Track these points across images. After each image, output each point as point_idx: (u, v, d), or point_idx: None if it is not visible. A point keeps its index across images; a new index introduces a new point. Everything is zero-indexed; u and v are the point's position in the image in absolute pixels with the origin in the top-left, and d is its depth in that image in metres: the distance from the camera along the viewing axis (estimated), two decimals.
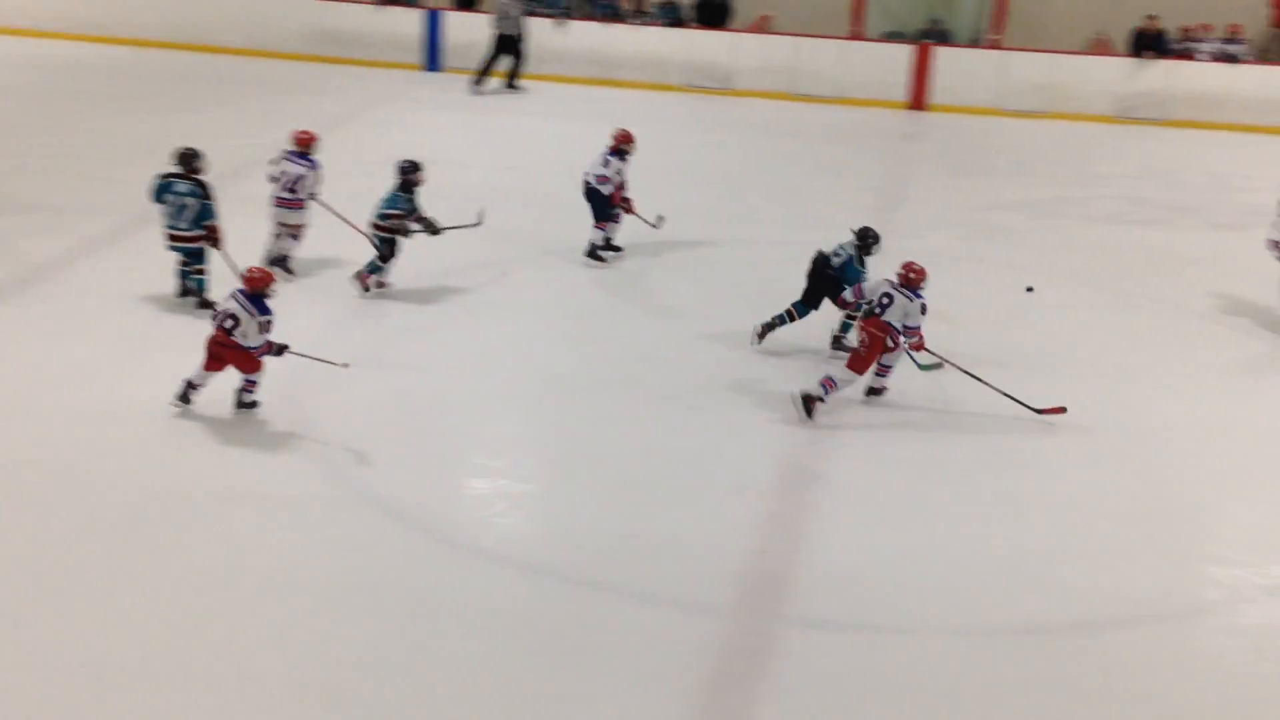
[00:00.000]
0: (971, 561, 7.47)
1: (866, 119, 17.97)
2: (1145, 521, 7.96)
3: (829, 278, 9.93)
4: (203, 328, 8.62)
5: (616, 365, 9.79)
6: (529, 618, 6.78)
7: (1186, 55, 18.17)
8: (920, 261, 9.09)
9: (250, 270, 8.58)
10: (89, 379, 9.04)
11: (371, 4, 19.78)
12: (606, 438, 8.70)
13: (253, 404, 8.65)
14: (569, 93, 18.59)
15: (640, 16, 19.30)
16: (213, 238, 10.21)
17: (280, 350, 8.49)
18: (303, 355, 8.72)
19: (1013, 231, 13.32)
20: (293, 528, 7.45)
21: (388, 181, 10.96)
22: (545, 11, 19.34)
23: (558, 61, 18.88)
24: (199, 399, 8.54)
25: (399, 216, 10.62)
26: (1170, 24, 18.36)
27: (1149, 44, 18.11)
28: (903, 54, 18.59)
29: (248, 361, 8.45)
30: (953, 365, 9.28)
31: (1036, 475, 8.47)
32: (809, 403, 8.93)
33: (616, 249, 12.03)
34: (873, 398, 9.35)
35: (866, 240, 9.95)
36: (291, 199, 11.02)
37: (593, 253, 11.94)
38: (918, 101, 18.38)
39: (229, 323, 8.29)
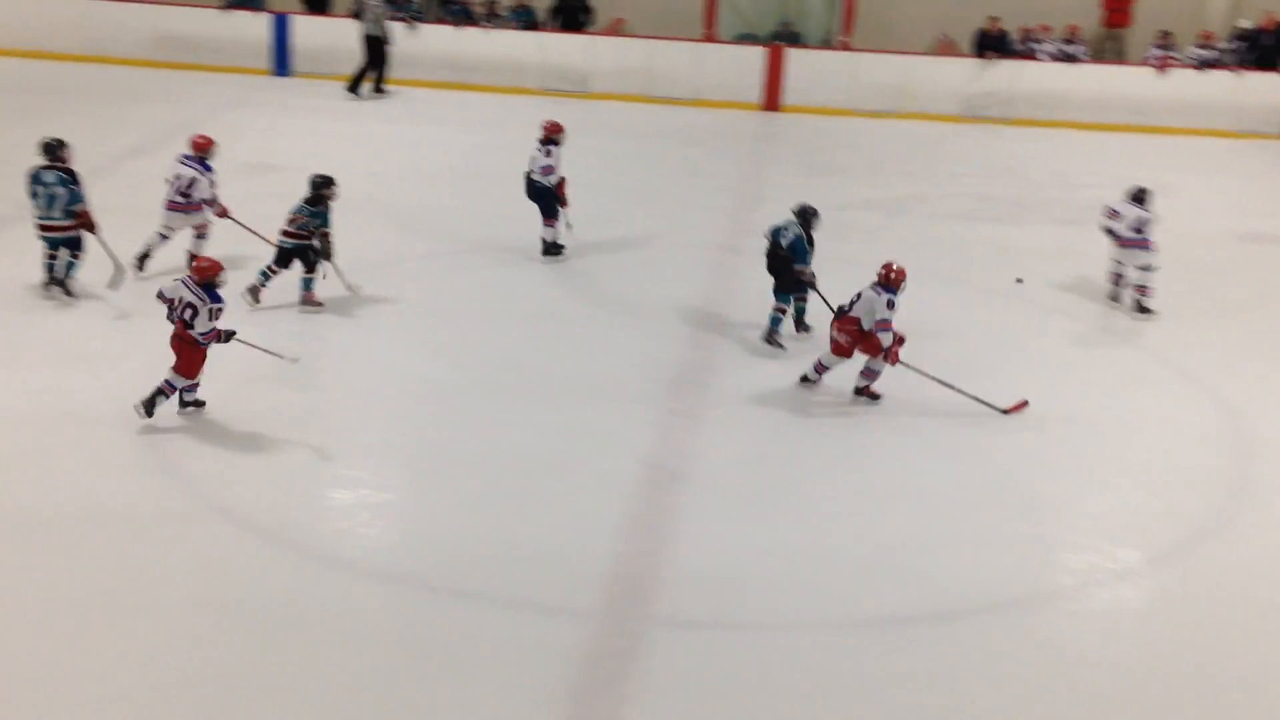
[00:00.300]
0: (835, 556, 7.58)
1: (722, 120, 18.14)
2: (1000, 511, 8.18)
3: (782, 258, 10.17)
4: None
5: (480, 370, 9.73)
6: (394, 628, 6.70)
7: (1028, 55, 18.69)
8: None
9: (199, 260, 8.78)
10: None
11: (217, 8, 19.35)
12: (471, 444, 8.64)
13: (199, 403, 8.67)
14: (422, 97, 18.43)
15: (493, 20, 19.20)
16: (86, 223, 10.27)
17: (228, 337, 8.54)
18: (251, 345, 8.77)
19: (868, 230, 13.55)
20: (152, 545, 7.26)
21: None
22: (397, 15, 19.13)
23: (410, 66, 18.69)
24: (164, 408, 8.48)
25: (305, 235, 10.52)
26: (1011, 25, 18.86)
27: (992, 45, 18.59)
28: (756, 56, 18.80)
29: (191, 364, 8.44)
30: (921, 373, 9.42)
31: (897, 469, 8.63)
32: (866, 392, 9.41)
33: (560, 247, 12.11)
34: (861, 398, 9.51)
35: (807, 216, 10.25)
36: (185, 203, 11.09)
37: (549, 250, 12.01)
38: (771, 103, 18.61)
39: (188, 313, 8.31)
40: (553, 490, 8.12)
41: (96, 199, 12.14)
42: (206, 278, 8.47)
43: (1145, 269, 11.32)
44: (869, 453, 8.83)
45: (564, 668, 6.44)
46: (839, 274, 12.01)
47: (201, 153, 11.27)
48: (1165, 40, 18.54)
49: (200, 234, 11.27)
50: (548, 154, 11.82)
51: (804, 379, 9.65)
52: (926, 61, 18.90)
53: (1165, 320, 11.31)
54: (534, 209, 12.03)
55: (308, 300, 10.64)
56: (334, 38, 19.17)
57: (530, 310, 10.98)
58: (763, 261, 10.37)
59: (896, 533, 7.85)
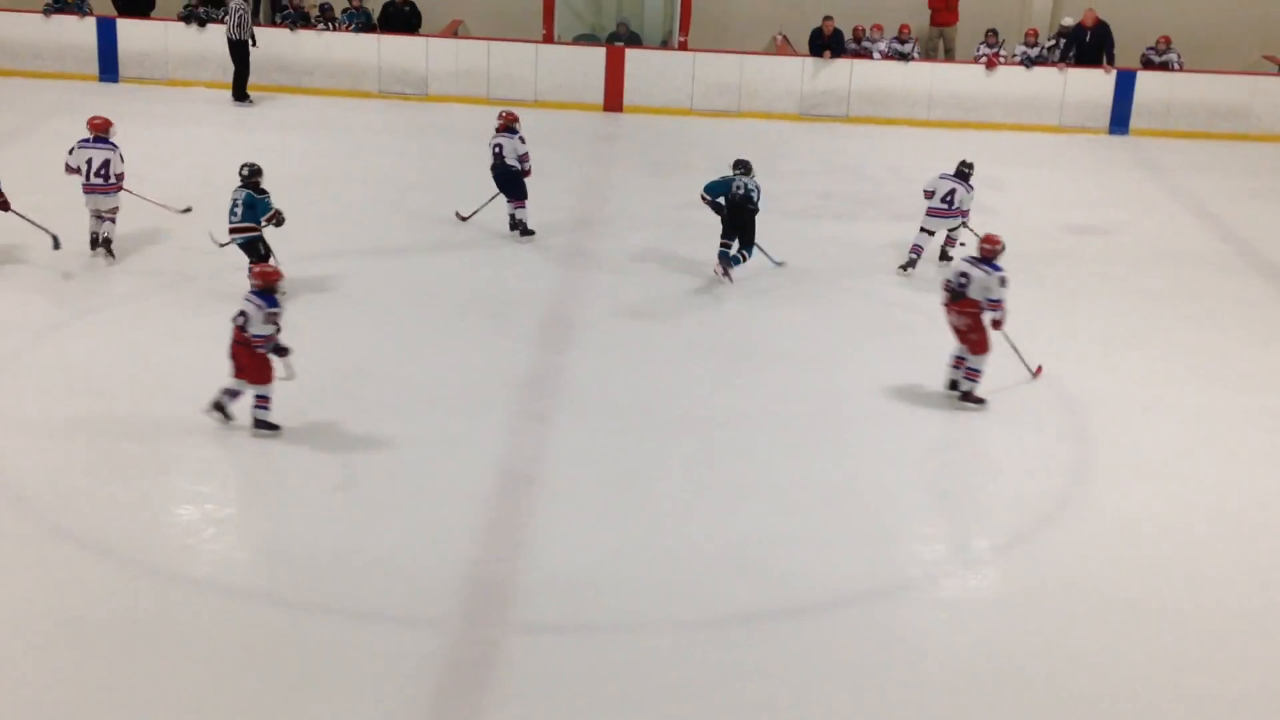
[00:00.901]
0: (689, 554, 7.65)
1: (564, 122, 18.11)
2: (847, 504, 8.33)
3: (750, 212, 11.81)
4: None
5: (327, 379, 9.55)
6: (247, 644, 6.58)
7: (863, 54, 19.06)
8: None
9: (260, 267, 9.13)
10: None
11: (39, 12, 18.69)
12: (317, 454, 8.51)
13: (272, 426, 8.59)
14: (258, 101, 18.03)
15: (326, 23, 18.88)
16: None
17: (283, 351, 8.59)
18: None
19: (712, 228, 13.64)
20: None
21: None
22: (224, 19, 18.72)
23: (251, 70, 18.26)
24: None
25: (269, 219, 10.89)
26: (845, 25, 19.22)
27: (827, 44, 18.91)
28: (596, 57, 18.83)
29: (257, 371, 8.54)
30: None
31: (746, 465, 8.73)
32: (970, 398, 9.63)
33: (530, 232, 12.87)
34: (966, 403, 9.64)
35: (748, 167, 11.98)
36: (106, 184, 11.37)
37: (524, 231, 12.79)
38: (613, 103, 18.67)
39: (240, 319, 8.48)
40: (405, 499, 8.05)
41: None
42: (267, 283, 8.62)
43: (952, 231, 12.53)
44: (719, 449, 8.92)
45: (421, 678, 6.39)
46: (682, 272, 12.20)
47: (103, 132, 11.56)
48: (992, 39, 19.07)
49: (111, 218, 11.50)
50: (522, 140, 12.60)
51: (954, 384, 9.74)
52: (762, 61, 19.14)
53: None
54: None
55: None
56: (161, 42, 18.67)
57: (375, 314, 10.86)
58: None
59: (747, 529, 7.96)
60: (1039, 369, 10.15)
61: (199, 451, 8.54)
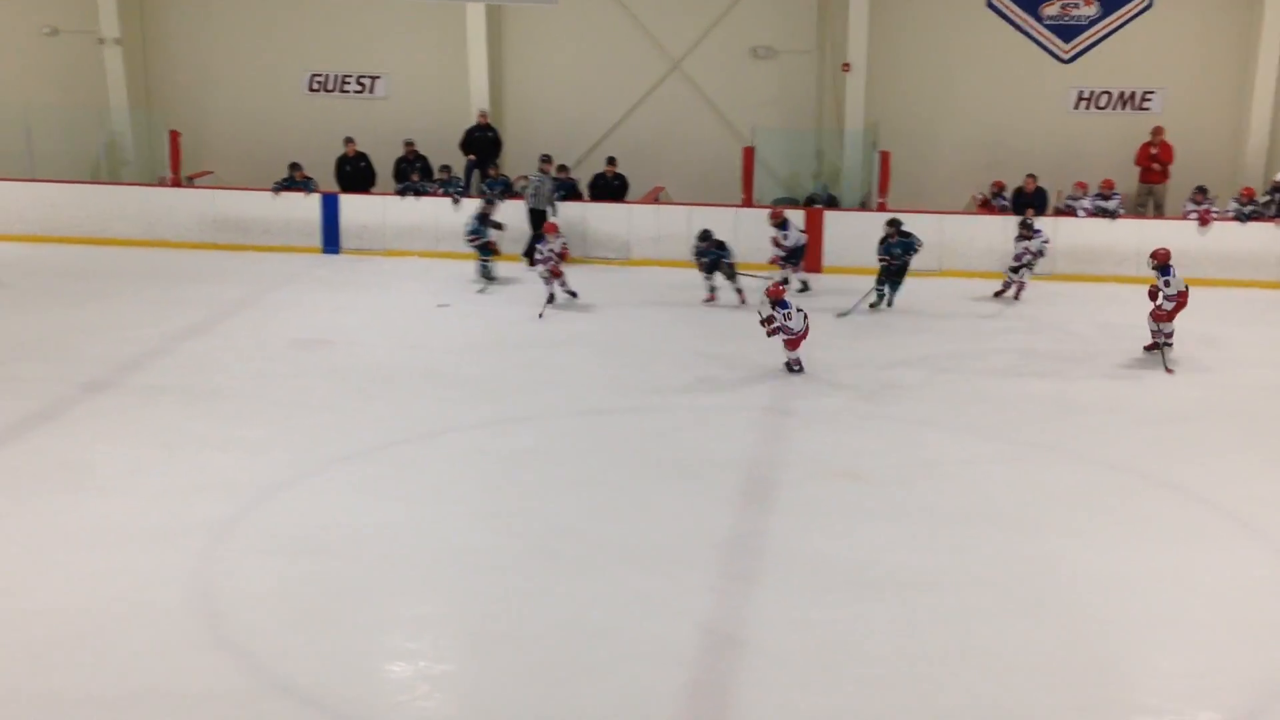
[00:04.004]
0: None
1: (763, 284, 18.27)
2: (1066, 673, 7.98)
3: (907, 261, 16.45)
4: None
5: (531, 538, 9.70)
6: None
7: (1068, 212, 18.87)
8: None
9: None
10: None
11: (268, 191, 19.90)
12: (525, 613, 8.58)
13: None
14: (469, 270, 18.68)
15: (536, 197, 19.58)
16: None
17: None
18: None
19: (912, 387, 13.58)
20: None
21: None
22: (440, 191, 19.64)
23: (455, 239, 18.99)
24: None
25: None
26: (1048, 184, 19.12)
27: (1029, 202, 18.80)
28: (794, 219, 19.04)
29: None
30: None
31: (956, 632, 8.44)
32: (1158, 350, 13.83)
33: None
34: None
35: (898, 223, 16.56)
36: None
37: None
38: (812, 264, 18.80)
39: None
40: (609, 659, 8.03)
41: (152, 378, 12.52)
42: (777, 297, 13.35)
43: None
44: (926, 614, 8.68)
45: None
46: (880, 434, 12.09)
47: None
48: (1200, 196, 18.69)
49: None
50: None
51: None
52: (963, 220, 19.11)
53: (1219, 470, 11.21)
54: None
55: None
56: (380, 215, 19.65)
57: (578, 475, 10.99)
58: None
59: (960, 699, 7.69)
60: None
61: (410, 609, 8.72)
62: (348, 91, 21.85)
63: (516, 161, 20.63)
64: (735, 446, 11.76)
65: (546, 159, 19.26)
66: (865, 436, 12.06)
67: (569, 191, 19.57)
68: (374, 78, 21.75)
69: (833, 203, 19.87)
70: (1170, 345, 14.41)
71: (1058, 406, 13.03)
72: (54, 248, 19.47)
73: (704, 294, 16.91)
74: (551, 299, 16.27)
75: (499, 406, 12.75)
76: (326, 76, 21.82)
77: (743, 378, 13.80)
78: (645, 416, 12.55)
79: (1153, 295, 14.57)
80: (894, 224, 16.47)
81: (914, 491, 10.76)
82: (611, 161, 19.95)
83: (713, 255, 16.71)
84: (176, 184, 20.63)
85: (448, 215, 19.38)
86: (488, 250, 17.83)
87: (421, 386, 13.15)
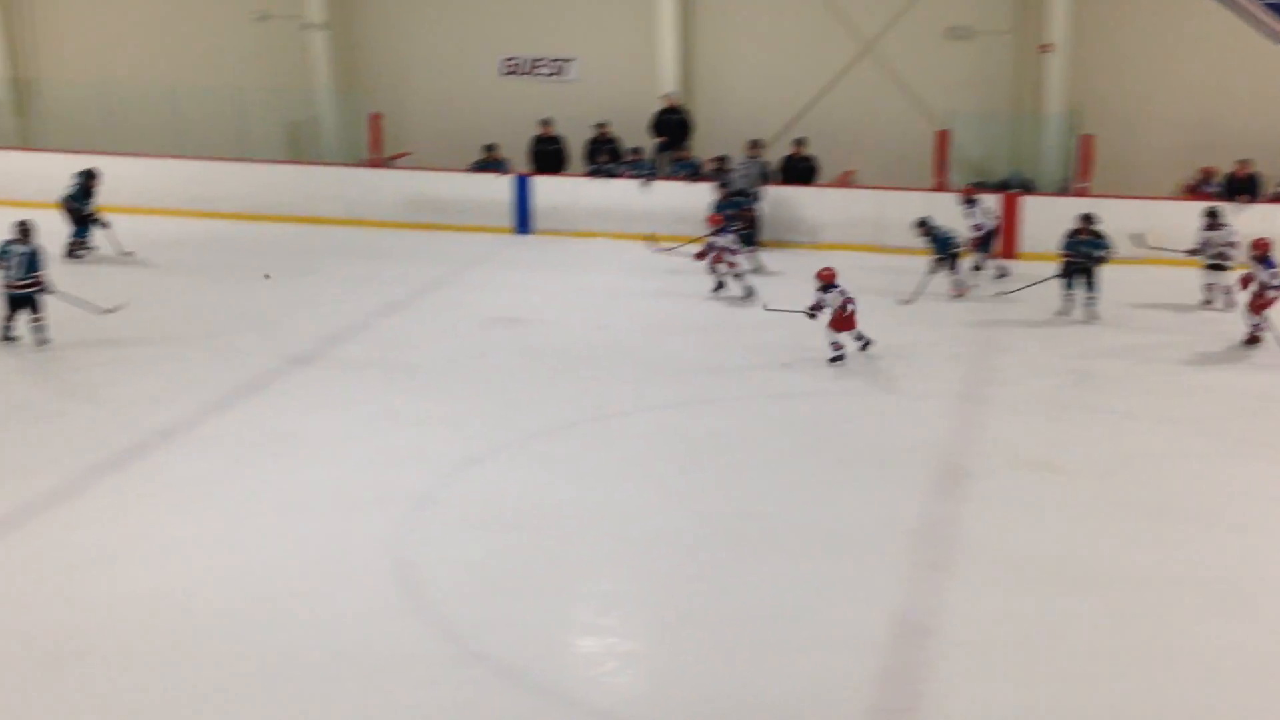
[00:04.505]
0: None
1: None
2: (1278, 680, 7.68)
3: (1098, 259, 15.23)
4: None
5: (720, 519, 9.73)
6: None
7: None
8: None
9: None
10: (209, 546, 9.15)
11: (464, 172, 20.32)
12: (714, 593, 8.61)
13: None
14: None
15: (722, 175, 19.59)
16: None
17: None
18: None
19: (1114, 377, 13.18)
20: (409, 688, 7.40)
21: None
22: (630, 173, 19.77)
23: (645, 220, 19.16)
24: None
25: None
26: (1266, 169, 18.33)
27: (1242, 188, 18.04)
28: (990, 205, 18.64)
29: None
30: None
31: (1160, 631, 8.19)
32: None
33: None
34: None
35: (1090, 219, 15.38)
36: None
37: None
38: (1007, 251, 18.38)
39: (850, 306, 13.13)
40: (799, 643, 8.00)
41: (353, 353, 12.94)
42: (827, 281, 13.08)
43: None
44: (1128, 612, 8.42)
45: None
46: (1081, 425, 11.76)
47: None
48: None
49: None
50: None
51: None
52: (1170, 206, 18.42)
53: None
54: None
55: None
56: (571, 197, 19.88)
57: (767, 458, 10.97)
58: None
59: (1164, 699, 7.44)
60: None
61: (601, 586, 8.84)
62: (540, 74, 22.17)
63: (706, 144, 20.64)
64: (927, 433, 11.58)
65: (755, 143, 19.12)
66: (1063, 426, 11.76)
67: (769, 175, 19.40)
68: (565, 61, 22.03)
69: (1028, 188, 19.39)
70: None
71: (1267, 401, 12.50)
72: (263, 225, 20.22)
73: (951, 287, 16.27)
74: (720, 287, 16.18)
75: (688, 387, 12.80)
76: (519, 60, 22.18)
77: (935, 364, 13.59)
78: (835, 400, 12.45)
79: (1244, 284, 14.22)
80: (1087, 219, 15.31)
81: (1113, 484, 10.45)
82: (800, 143, 19.78)
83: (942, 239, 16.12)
84: (377, 165, 21.22)
85: (637, 197, 19.50)
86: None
87: (611, 366, 13.28)
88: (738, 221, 17.30)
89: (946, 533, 9.58)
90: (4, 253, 12.78)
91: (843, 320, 13.30)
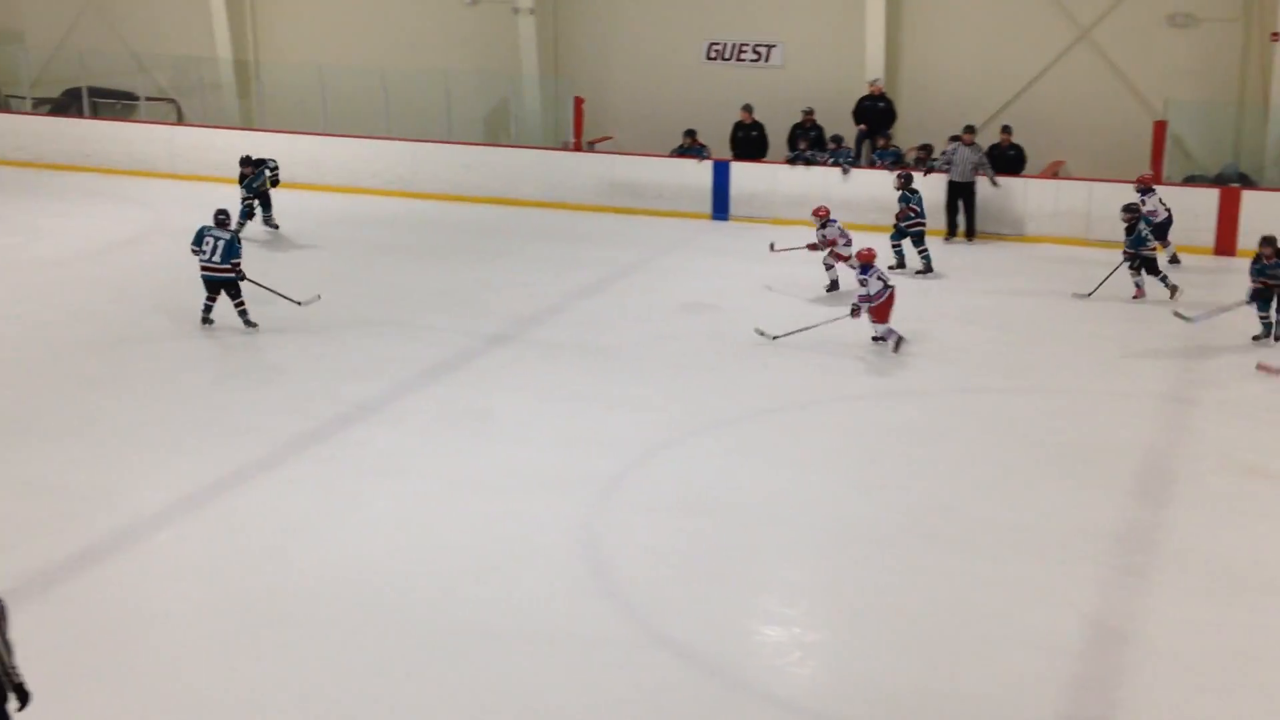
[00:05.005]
0: None
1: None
2: None
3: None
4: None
5: (910, 512, 9.57)
6: None
7: None
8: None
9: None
10: (405, 520, 9.39)
11: (664, 156, 20.40)
12: (901, 587, 8.48)
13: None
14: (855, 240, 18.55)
15: (924, 165, 19.23)
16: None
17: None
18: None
19: None
20: (594, 669, 7.48)
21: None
22: (830, 161, 19.56)
23: (844, 210, 18.90)
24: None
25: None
26: None
27: None
28: (1208, 198, 17.90)
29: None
30: None
31: None
32: None
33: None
34: None
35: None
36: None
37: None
38: (1225, 246, 17.61)
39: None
40: (988, 643, 7.82)
41: (549, 334, 13.12)
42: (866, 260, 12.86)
43: None
44: None
45: None
46: None
47: None
48: None
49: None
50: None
51: None
52: None
53: None
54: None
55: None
56: (769, 183, 19.77)
57: (962, 454, 10.73)
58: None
59: None
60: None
61: (787, 574, 8.79)
62: (744, 60, 22.09)
63: (910, 132, 20.30)
64: (1131, 434, 11.18)
65: (969, 129, 18.64)
66: (1275, 432, 11.21)
67: (984, 165, 18.85)
68: (770, 46, 21.89)
69: (1245, 181, 18.51)
70: None
71: None
72: (466, 206, 20.65)
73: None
74: (834, 286, 15.65)
75: (883, 379, 12.63)
76: (724, 45, 22.13)
77: (1138, 363, 13.11)
78: (1033, 397, 12.11)
79: None
80: (1270, 243, 13.57)
81: None
82: (1007, 130, 19.23)
83: None
84: (578, 148, 21.46)
85: (837, 186, 19.27)
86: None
87: (805, 355, 13.15)
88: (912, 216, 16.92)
89: (1150, 537, 9.24)
90: (200, 236, 13.22)
91: (880, 309, 13.16)
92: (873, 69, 20.73)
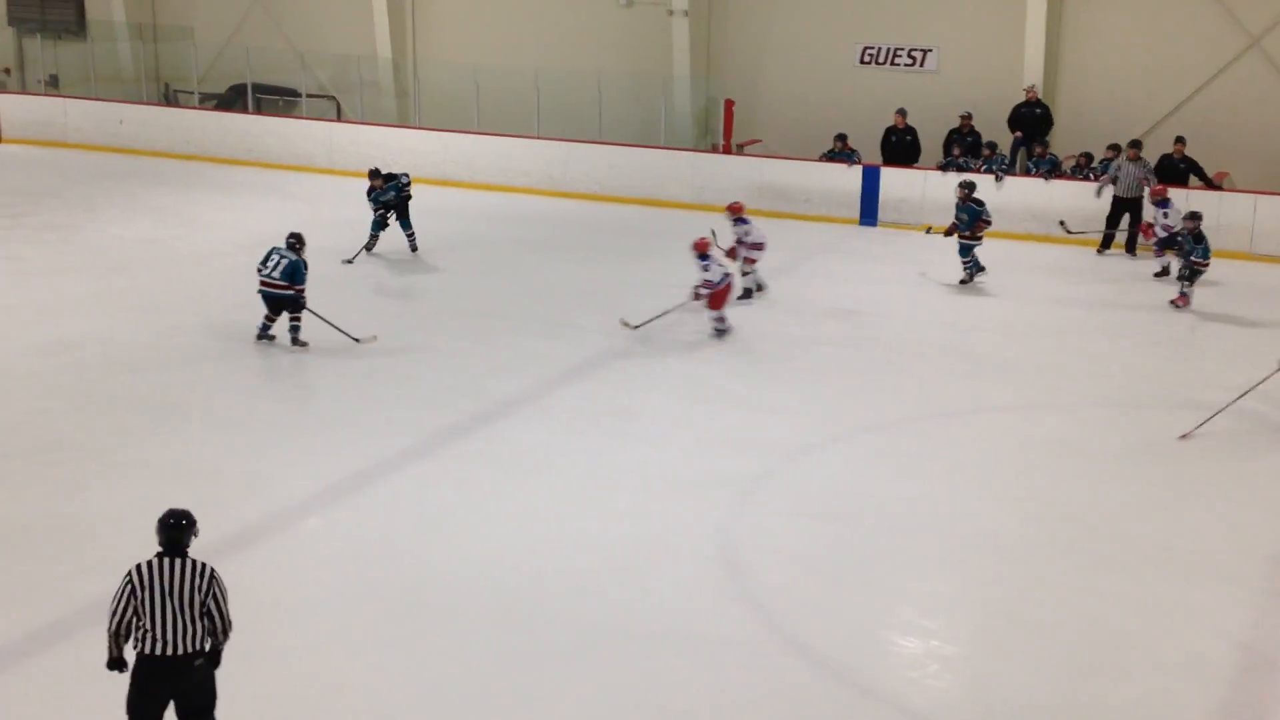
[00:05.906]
0: None
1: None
2: None
3: None
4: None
5: (1055, 528, 9.38)
6: None
7: None
8: None
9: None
10: (544, 516, 9.49)
11: (813, 160, 20.27)
12: (1043, 604, 8.31)
13: None
14: (1005, 249, 18.17)
15: (1082, 171, 18.79)
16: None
17: None
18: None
19: None
20: (726, 671, 7.47)
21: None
22: (984, 168, 19.23)
23: (997, 217, 18.53)
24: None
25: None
26: None
27: None
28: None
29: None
30: None
31: None
32: None
33: None
34: None
35: None
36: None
37: None
38: None
39: None
40: (1134, 664, 7.63)
41: (691, 336, 13.10)
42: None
43: None
44: None
45: None
46: None
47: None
48: None
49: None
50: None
51: None
52: None
53: None
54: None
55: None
56: (919, 189, 19.53)
57: (1109, 469, 10.49)
58: None
59: None
60: None
61: (928, 586, 8.67)
62: (898, 65, 21.84)
63: (1067, 140, 19.88)
64: None
65: (1135, 144, 18.17)
66: None
67: (1152, 179, 18.29)
68: (925, 51, 21.61)
69: None
70: None
71: None
72: (613, 206, 20.80)
73: None
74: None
75: (1030, 391, 12.39)
76: (878, 49, 21.91)
77: None
78: (1184, 414, 11.71)
79: None
80: None
81: None
82: (1180, 141, 18.59)
83: None
84: (728, 151, 21.47)
85: (989, 194, 18.89)
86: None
87: (950, 363, 12.99)
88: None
89: None
90: (269, 255, 12.96)
91: (718, 296, 13.42)
92: (1030, 75, 20.34)
